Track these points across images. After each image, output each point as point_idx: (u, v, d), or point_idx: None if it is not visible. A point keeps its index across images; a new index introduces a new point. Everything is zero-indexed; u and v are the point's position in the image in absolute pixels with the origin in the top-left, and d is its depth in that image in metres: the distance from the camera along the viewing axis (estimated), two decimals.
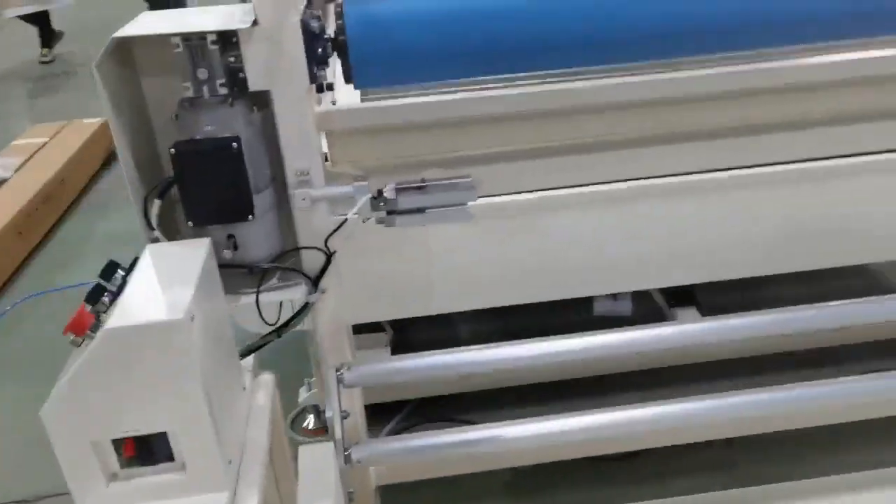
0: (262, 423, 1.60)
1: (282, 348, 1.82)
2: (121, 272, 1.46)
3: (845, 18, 1.82)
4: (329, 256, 1.65)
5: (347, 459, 1.62)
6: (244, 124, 1.53)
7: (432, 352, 1.76)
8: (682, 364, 2.51)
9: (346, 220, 1.57)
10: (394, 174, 1.68)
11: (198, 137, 1.51)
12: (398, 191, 1.57)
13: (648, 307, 2.71)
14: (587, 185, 2.09)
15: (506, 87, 1.81)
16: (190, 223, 1.55)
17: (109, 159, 4.96)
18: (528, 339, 2.07)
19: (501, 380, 2.45)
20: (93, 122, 4.99)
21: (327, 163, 1.70)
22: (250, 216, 1.54)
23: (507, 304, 2.01)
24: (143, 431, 1.37)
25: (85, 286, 1.44)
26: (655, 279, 2.38)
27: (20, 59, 7.40)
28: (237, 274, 1.61)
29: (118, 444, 1.38)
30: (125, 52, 1.59)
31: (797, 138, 2.17)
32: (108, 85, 1.49)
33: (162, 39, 1.54)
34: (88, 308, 1.37)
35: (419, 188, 1.57)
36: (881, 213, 2.27)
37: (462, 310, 2.06)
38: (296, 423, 2.63)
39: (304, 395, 2.50)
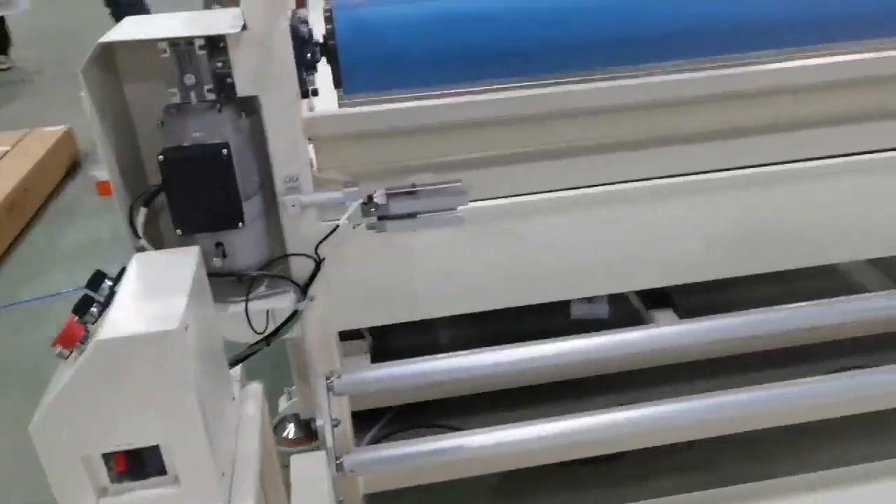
0: (252, 433, 1.58)
1: (258, 357, 1.80)
2: (108, 282, 1.43)
3: (819, 23, 1.86)
4: (318, 263, 1.63)
5: (340, 468, 1.61)
6: (232, 130, 1.51)
7: (421, 358, 1.76)
8: (661, 365, 2.54)
9: (338, 226, 1.56)
10: (379, 180, 1.67)
11: (185, 144, 1.49)
12: (389, 196, 1.56)
13: (625, 310, 2.74)
14: (566, 189, 2.12)
15: (488, 91, 1.82)
16: (178, 231, 1.52)
17: (73, 167, 4.86)
18: (512, 344, 2.08)
19: (480, 385, 2.45)
20: (55, 130, 4.89)
21: (313, 169, 1.68)
22: (240, 223, 1.52)
23: (490, 308, 2.01)
24: (134, 445, 1.34)
25: (52, 298, 1.41)
26: (632, 282, 2.41)
27: None
28: (224, 282, 1.59)
29: (108, 458, 1.35)
30: (108, 58, 1.56)
31: (767, 142, 2.21)
32: (93, 91, 1.46)
33: (145, 45, 1.51)
34: (77, 319, 1.33)
35: (409, 193, 1.57)
36: (847, 214, 2.33)
37: (449, 314, 2.06)
38: (276, 432, 2.60)
39: (284, 405, 2.47)
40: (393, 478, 1.73)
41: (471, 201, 1.73)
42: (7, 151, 4.61)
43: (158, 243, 1.65)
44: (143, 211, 1.54)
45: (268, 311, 1.69)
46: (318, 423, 1.63)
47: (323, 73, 1.61)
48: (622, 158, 2.14)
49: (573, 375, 2.53)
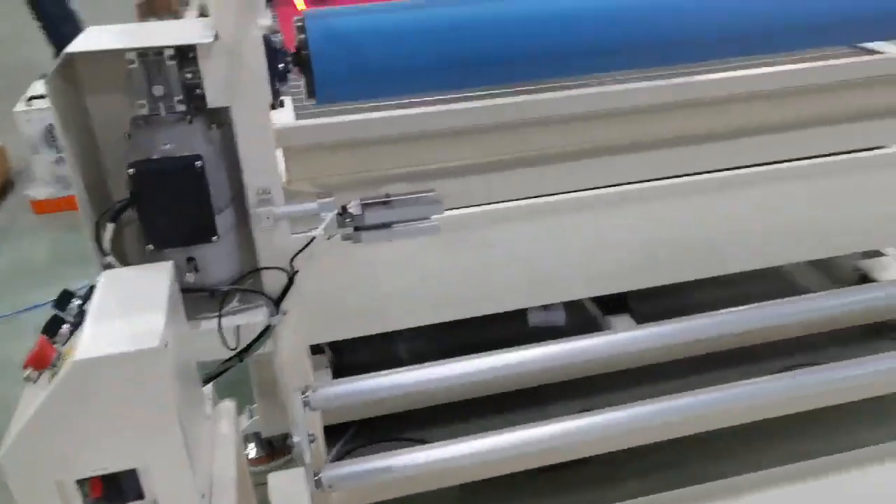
0: (228, 452, 1.54)
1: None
2: (76, 301, 1.37)
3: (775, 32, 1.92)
4: (291, 277, 1.61)
5: (318, 484, 1.58)
6: (204, 142, 1.48)
7: (394, 370, 1.75)
8: (620, 370, 2.58)
9: (315, 237, 1.53)
10: (348, 191, 1.66)
11: (155, 157, 1.44)
12: (364, 206, 1.55)
13: (582, 316, 2.77)
14: (527, 198, 2.15)
15: (454, 101, 1.84)
16: (150, 246, 1.47)
17: (5, 188, 4.66)
18: (478, 354, 2.09)
19: (441, 396, 2.44)
20: None
21: (282, 181, 1.66)
22: (214, 237, 1.48)
23: (462, 316, 2.02)
24: (111, 469, 1.29)
25: None
26: (592, 288, 2.45)
27: None
28: (195, 298, 1.55)
29: (84, 484, 1.29)
30: (69, 69, 1.50)
31: (715, 149, 2.28)
32: (58, 103, 1.41)
33: (107, 56, 1.47)
34: (48, 340, 1.28)
35: (384, 203, 1.56)
36: (788, 217, 2.42)
37: (421, 324, 2.05)
38: None
39: (245, 423, 2.41)
40: (367, 492, 1.71)
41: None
42: None
43: (122, 260, 1.59)
44: (109, 227, 1.49)
45: (237, 327, 1.65)
46: (295, 439, 1.60)
47: None
48: (575, 168, 2.18)
49: (534, 383, 2.55)
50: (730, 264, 2.46)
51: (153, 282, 1.40)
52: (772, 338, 2.73)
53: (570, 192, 2.23)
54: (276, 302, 1.62)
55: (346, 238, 1.56)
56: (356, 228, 1.55)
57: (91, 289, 1.40)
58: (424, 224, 1.56)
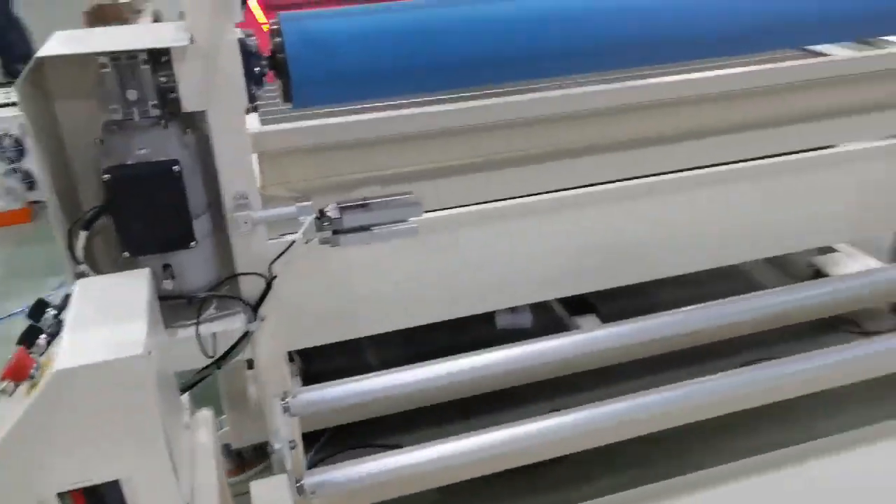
0: (209, 462, 1.52)
1: None
2: (52, 311, 1.34)
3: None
4: (270, 282, 1.59)
5: (300, 490, 1.56)
6: (179, 147, 1.46)
7: (372, 374, 1.74)
8: (589, 370, 2.61)
9: (294, 242, 1.52)
10: (321, 195, 1.66)
11: (130, 162, 1.42)
12: (342, 210, 1.54)
13: (549, 318, 2.81)
14: (493, 201, 2.17)
15: (422, 105, 1.85)
16: (126, 253, 1.44)
17: None
18: (453, 356, 2.10)
19: (413, 401, 2.45)
20: None
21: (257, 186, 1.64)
22: (192, 243, 1.46)
23: (435, 319, 2.03)
24: (94, 481, 1.26)
25: None
26: (560, 288, 2.49)
27: None
28: (171, 306, 1.52)
29: (65, 497, 1.26)
30: (37, 75, 1.47)
31: (673, 150, 2.35)
32: (29, 109, 1.37)
33: (77, 60, 1.44)
34: (26, 351, 1.24)
35: (362, 206, 1.55)
36: (748, 216, 2.50)
37: (399, 328, 2.06)
38: None
39: None
40: (349, 498, 1.69)
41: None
42: None
43: (94, 268, 1.56)
44: (82, 234, 1.45)
45: (213, 335, 1.63)
46: (276, 445, 1.58)
47: None
48: (539, 171, 2.21)
49: (504, 385, 2.56)
50: (690, 263, 2.53)
51: (131, 289, 1.37)
52: (733, 334, 2.79)
53: (533, 194, 2.26)
54: (255, 308, 1.60)
55: (324, 242, 1.56)
56: (335, 232, 1.54)
57: (66, 298, 1.36)
58: (402, 226, 1.56)
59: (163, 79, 1.43)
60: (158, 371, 1.31)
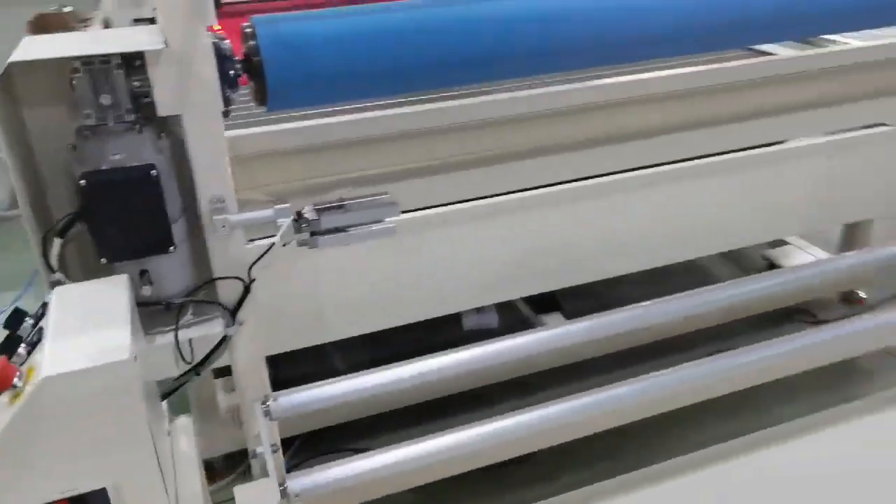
0: (192, 470, 1.51)
1: None
2: (29, 320, 1.32)
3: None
4: (248, 286, 1.59)
5: (284, 494, 1.56)
6: (154, 151, 1.44)
7: (352, 374, 1.75)
8: (555, 367, 2.65)
9: (273, 244, 1.52)
10: (293, 197, 1.66)
11: (104, 168, 1.40)
12: (319, 211, 1.55)
13: (514, 317, 2.85)
14: (457, 202, 2.21)
15: (388, 108, 1.87)
16: (103, 260, 1.42)
17: None
18: (425, 356, 2.12)
19: (383, 404, 2.46)
20: None
21: None
22: (171, 248, 1.45)
23: (415, 319, 2.05)
24: (81, 490, 1.24)
25: None
26: (526, 287, 2.54)
27: None
28: (149, 312, 1.51)
29: None
30: (7, 82, 1.44)
31: (636, 147, 2.42)
32: (1, 117, 1.35)
33: (46, 66, 1.42)
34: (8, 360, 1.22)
35: (339, 207, 1.56)
36: (703, 212, 2.59)
37: (376, 329, 2.07)
38: None
39: None
40: (331, 500, 1.69)
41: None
42: None
43: (67, 276, 1.53)
44: (57, 242, 1.43)
45: (190, 341, 1.62)
46: (259, 449, 1.57)
47: None
48: (501, 171, 2.26)
49: (472, 385, 2.59)
50: (650, 260, 2.60)
51: (110, 295, 1.36)
52: (693, 327, 2.84)
53: (495, 195, 2.31)
54: (233, 312, 1.59)
55: (302, 244, 1.56)
56: (312, 234, 1.55)
57: (43, 306, 1.34)
58: (380, 226, 1.57)
59: (136, 83, 1.42)
60: (143, 377, 1.30)
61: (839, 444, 2.42)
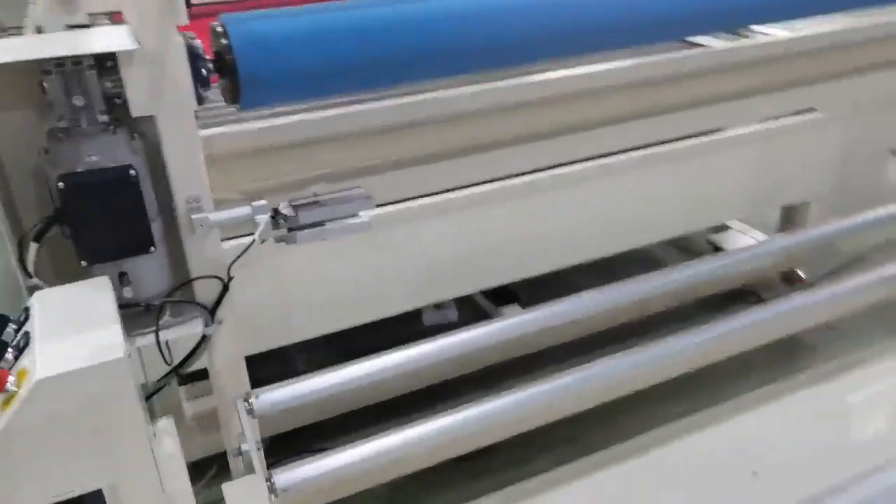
0: (180, 471, 1.50)
1: None
2: (12, 326, 1.30)
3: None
4: (226, 284, 1.59)
5: (272, 489, 1.56)
6: (129, 152, 1.44)
7: (333, 367, 1.77)
8: (516, 357, 2.71)
9: (253, 242, 1.53)
10: (268, 196, 1.67)
11: (80, 170, 1.39)
12: (295, 207, 1.56)
13: (474, 312, 2.89)
14: (424, 196, 2.25)
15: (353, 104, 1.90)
16: (84, 262, 1.41)
17: None
18: (395, 348, 2.15)
19: (348, 404, 2.47)
20: None
21: None
22: (151, 248, 1.45)
23: (392, 314, 2.07)
24: (77, 492, 1.23)
25: None
26: (485, 281, 2.59)
27: None
28: (128, 315, 1.50)
29: None
30: None
31: (580, 141, 2.50)
32: None
33: (12, 70, 1.40)
34: None
35: (315, 202, 1.58)
36: (649, 201, 2.69)
37: (337, 329, 2.08)
38: None
39: None
40: (316, 495, 1.70)
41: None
42: None
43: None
44: (33, 247, 1.41)
45: (167, 343, 1.61)
46: (244, 447, 1.57)
47: None
48: (453, 166, 2.31)
49: (437, 379, 2.63)
50: (601, 249, 2.68)
51: (94, 297, 1.35)
52: (646, 312, 2.93)
53: (449, 190, 2.36)
54: (212, 311, 1.59)
55: (279, 240, 1.57)
56: (290, 230, 1.56)
57: (26, 311, 1.33)
58: (356, 220, 1.60)
59: (109, 84, 1.41)
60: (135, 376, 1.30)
61: (786, 414, 2.53)
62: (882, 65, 2.65)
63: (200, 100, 1.48)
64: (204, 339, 1.60)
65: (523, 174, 2.48)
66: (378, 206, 2.17)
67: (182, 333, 1.56)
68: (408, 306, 2.48)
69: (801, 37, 2.59)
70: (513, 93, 2.26)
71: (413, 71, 1.62)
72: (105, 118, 1.41)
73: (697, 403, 2.59)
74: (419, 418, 2.38)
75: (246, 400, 1.63)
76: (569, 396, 2.40)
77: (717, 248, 3.08)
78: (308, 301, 2.08)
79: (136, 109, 1.43)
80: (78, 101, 1.39)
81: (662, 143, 2.66)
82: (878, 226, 2.76)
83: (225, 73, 1.50)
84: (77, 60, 1.37)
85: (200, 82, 1.48)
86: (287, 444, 2.44)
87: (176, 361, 1.58)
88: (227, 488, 1.51)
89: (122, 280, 1.46)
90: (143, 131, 1.50)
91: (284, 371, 2.62)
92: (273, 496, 1.56)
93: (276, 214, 1.56)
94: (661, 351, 2.55)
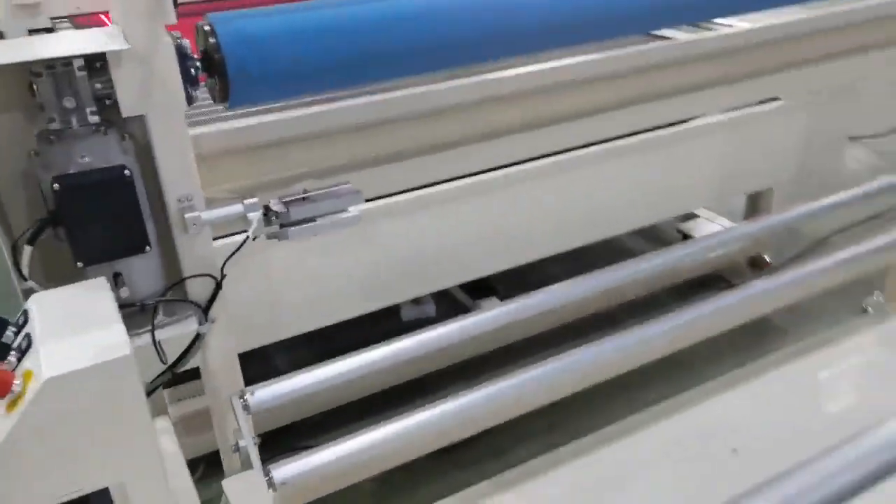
0: (181, 469, 1.51)
1: None
2: (12, 329, 1.30)
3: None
4: (219, 283, 1.60)
5: (270, 484, 1.58)
6: (120, 153, 1.45)
7: (328, 361, 1.79)
8: (495, 349, 2.75)
9: (246, 239, 1.54)
10: (256, 194, 1.69)
11: (72, 171, 1.39)
12: (286, 204, 1.58)
13: (452, 306, 2.93)
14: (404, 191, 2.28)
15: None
16: (80, 264, 1.41)
17: None
18: (382, 343, 2.17)
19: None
20: None
21: None
22: (147, 248, 1.45)
23: (379, 306, 2.09)
24: (85, 490, 1.24)
25: None
26: (462, 275, 2.62)
27: None
28: (124, 315, 1.50)
29: None
30: None
31: (551, 134, 2.55)
32: None
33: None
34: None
35: (304, 199, 1.60)
36: (618, 192, 2.75)
37: (321, 326, 2.10)
38: None
39: None
40: (312, 489, 1.72)
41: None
42: None
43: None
44: (27, 249, 1.41)
45: (159, 342, 1.62)
46: (241, 443, 1.59)
47: None
48: (425, 162, 2.34)
49: (417, 374, 2.66)
50: (575, 240, 2.74)
51: (94, 298, 1.35)
52: (621, 299, 2.99)
53: (424, 186, 2.39)
54: (205, 310, 1.60)
55: (271, 237, 1.59)
56: (282, 226, 1.58)
57: (24, 314, 1.32)
58: (346, 215, 1.62)
59: (98, 85, 1.42)
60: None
61: (761, 394, 2.61)
62: (839, 54, 2.75)
63: (190, 99, 1.49)
64: (198, 337, 1.60)
65: (495, 169, 2.53)
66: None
67: (177, 332, 1.56)
68: (385, 303, 2.51)
69: (763, 27, 2.67)
70: (482, 88, 2.29)
71: (403, 66, 1.64)
72: (96, 119, 1.41)
73: (675, 387, 2.65)
74: (401, 412, 2.42)
75: (241, 397, 1.64)
76: (548, 385, 2.44)
77: (685, 237, 3.15)
78: (284, 300, 2.10)
79: (127, 109, 1.43)
80: (69, 102, 1.39)
81: (631, 134, 2.73)
82: (839, 209, 2.86)
83: (213, 73, 1.50)
84: (67, 62, 1.37)
85: (190, 82, 1.49)
86: (271, 444, 2.46)
87: (166, 362, 1.58)
88: (227, 484, 1.52)
89: (116, 281, 1.46)
90: (131, 132, 1.50)
91: (267, 371, 2.64)
92: (272, 490, 1.58)
93: (267, 211, 1.58)
94: (636, 337, 2.60)
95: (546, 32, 2.06)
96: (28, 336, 1.25)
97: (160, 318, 1.57)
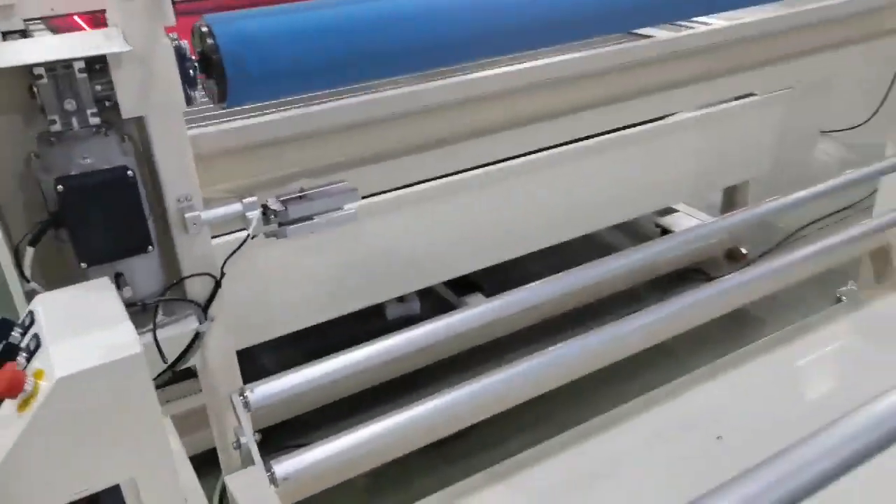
0: (185, 465, 1.52)
1: None
2: (18, 330, 1.30)
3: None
4: (218, 281, 1.62)
5: (272, 479, 1.60)
6: (121, 154, 1.46)
7: (324, 358, 1.81)
8: (484, 343, 2.79)
9: (247, 238, 1.56)
10: (250, 193, 1.71)
11: (74, 173, 1.40)
12: (284, 202, 1.60)
13: (437, 303, 2.96)
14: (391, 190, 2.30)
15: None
16: (84, 264, 1.42)
17: None
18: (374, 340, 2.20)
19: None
20: None
21: None
22: (150, 247, 1.47)
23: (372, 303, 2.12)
24: (97, 487, 1.25)
25: None
26: (447, 271, 2.66)
27: None
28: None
29: None
30: None
31: (532, 132, 2.59)
32: None
33: None
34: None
35: (303, 197, 1.62)
36: (601, 187, 2.80)
37: (309, 324, 2.12)
38: None
39: None
40: (312, 483, 1.74)
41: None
42: None
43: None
44: (30, 251, 1.42)
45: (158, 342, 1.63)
46: (242, 440, 1.61)
47: None
48: (409, 162, 2.36)
49: (403, 371, 2.69)
50: (558, 235, 2.78)
51: (98, 298, 1.37)
52: (604, 293, 3.07)
53: (409, 185, 2.42)
54: (205, 308, 1.62)
55: (270, 235, 1.60)
56: (280, 224, 1.60)
57: (29, 315, 1.33)
58: (343, 213, 1.64)
59: (99, 87, 1.43)
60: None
61: (742, 382, 2.68)
62: (811, 50, 2.82)
63: (189, 100, 1.51)
64: (198, 335, 1.62)
65: (478, 167, 2.56)
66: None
67: (177, 332, 1.58)
68: (370, 301, 2.53)
69: (737, 24, 2.73)
70: (467, 88, 2.32)
71: (399, 65, 1.67)
72: (97, 120, 1.42)
73: (659, 378, 2.72)
74: (389, 409, 2.44)
75: (241, 394, 1.66)
76: (535, 379, 2.47)
77: (664, 231, 3.21)
78: (270, 300, 2.12)
79: (127, 111, 1.44)
80: (70, 104, 1.40)
81: (610, 131, 2.78)
82: (812, 202, 2.94)
83: (211, 73, 1.52)
84: (68, 64, 1.38)
85: (188, 83, 1.50)
86: (263, 442, 2.48)
87: (167, 361, 1.59)
88: (230, 480, 1.54)
89: (118, 281, 1.47)
90: (130, 133, 1.51)
91: (257, 371, 2.66)
92: (274, 485, 1.60)
93: (265, 210, 1.60)
94: (620, 330, 2.65)
95: (537, 31, 2.10)
96: (36, 336, 1.26)
97: (160, 317, 1.58)
